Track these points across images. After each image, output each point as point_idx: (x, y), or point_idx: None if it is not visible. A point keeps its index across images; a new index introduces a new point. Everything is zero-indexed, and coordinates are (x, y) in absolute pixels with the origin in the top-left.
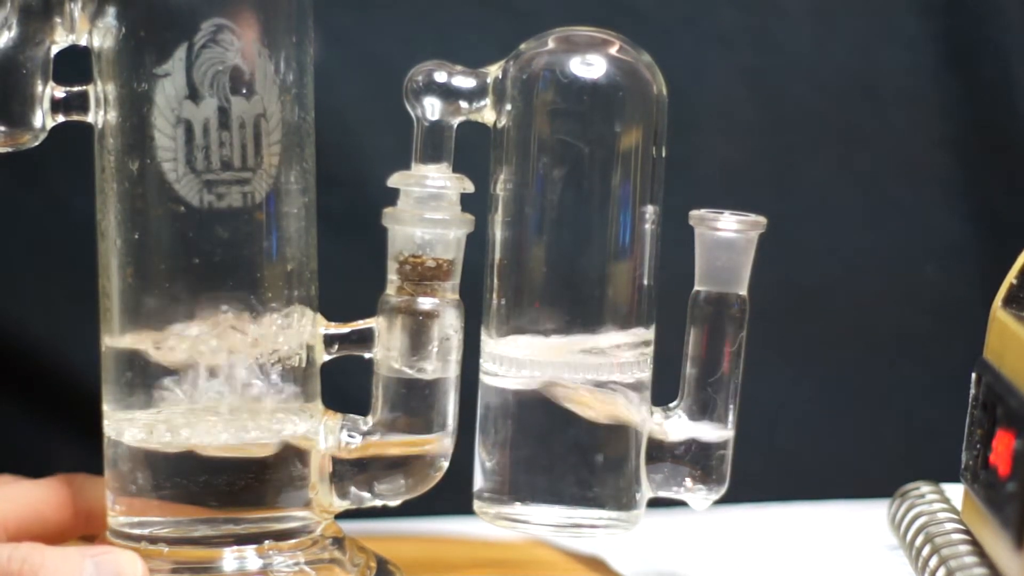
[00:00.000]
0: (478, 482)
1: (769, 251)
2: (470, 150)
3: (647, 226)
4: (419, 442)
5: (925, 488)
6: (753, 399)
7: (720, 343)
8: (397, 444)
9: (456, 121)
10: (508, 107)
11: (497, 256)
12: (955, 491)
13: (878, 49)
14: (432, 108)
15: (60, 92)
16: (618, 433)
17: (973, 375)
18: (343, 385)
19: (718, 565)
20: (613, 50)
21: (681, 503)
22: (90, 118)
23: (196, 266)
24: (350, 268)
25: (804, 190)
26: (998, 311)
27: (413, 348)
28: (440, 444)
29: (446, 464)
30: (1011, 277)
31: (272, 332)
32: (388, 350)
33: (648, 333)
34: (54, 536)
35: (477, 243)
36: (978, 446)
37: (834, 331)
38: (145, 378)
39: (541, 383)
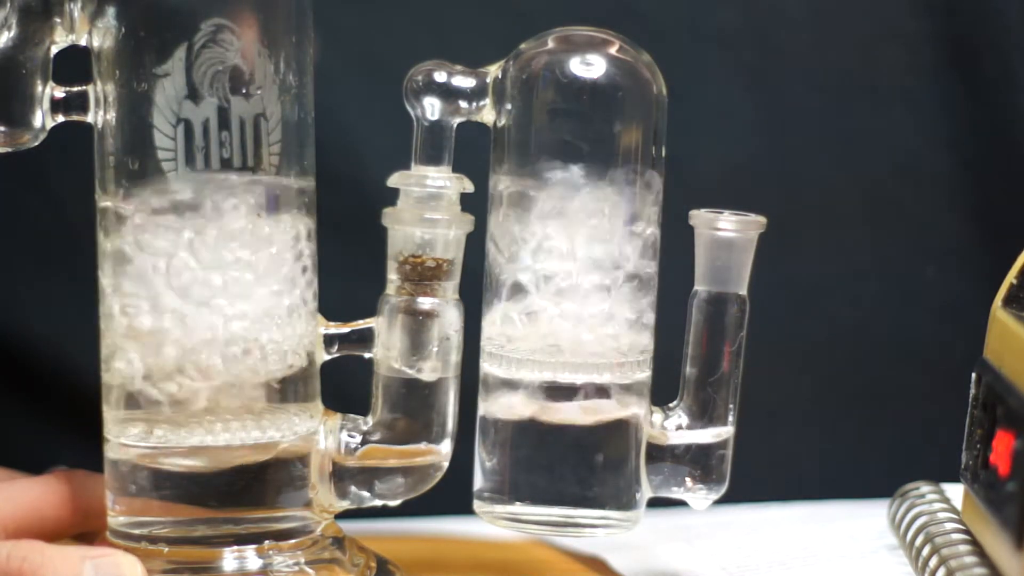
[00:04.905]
0: (478, 482)
1: (769, 251)
2: (470, 150)
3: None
4: (419, 452)
5: (925, 488)
6: (753, 399)
7: (720, 343)
8: (397, 453)
9: (456, 121)
10: (508, 107)
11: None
12: (955, 491)
13: (878, 49)
14: (432, 108)
15: (60, 92)
16: (618, 433)
17: (973, 375)
18: (343, 385)
19: (718, 565)
20: (613, 50)
21: (681, 503)
22: (90, 118)
23: None
24: (350, 268)
25: (804, 190)
26: (998, 311)
27: (413, 348)
28: (439, 447)
29: (446, 464)
30: (1011, 277)
31: (273, 331)
32: (388, 350)
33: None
34: (53, 533)
35: (477, 243)
36: (978, 446)
37: (834, 331)
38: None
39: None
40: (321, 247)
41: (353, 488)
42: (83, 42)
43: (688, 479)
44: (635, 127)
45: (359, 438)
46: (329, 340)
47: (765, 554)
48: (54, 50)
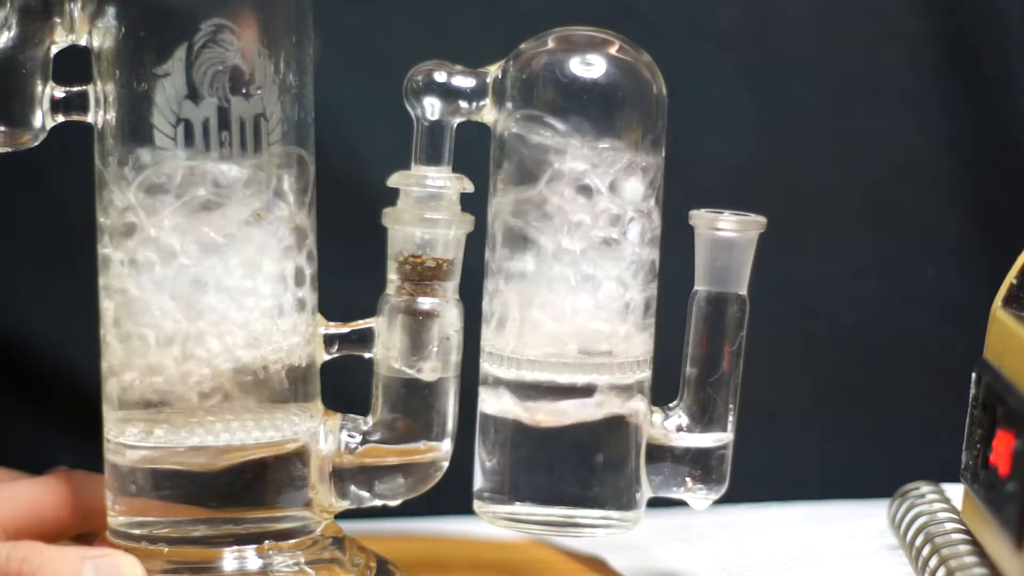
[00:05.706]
0: (478, 482)
1: (769, 251)
2: (470, 150)
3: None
4: (419, 452)
5: (925, 488)
6: (753, 399)
7: (720, 343)
8: (397, 453)
9: (456, 121)
10: (508, 107)
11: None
12: (955, 491)
13: (878, 49)
14: (432, 108)
15: (60, 92)
16: (618, 433)
17: (973, 375)
18: (343, 385)
19: (718, 565)
20: (613, 50)
21: (681, 503)
22: (90, 118)
23: None
24: (350, 268)
25: (804, 190)
26: (998, 311)
27: (413, 348)
28: (439, 447)
29: (446, 464)
30: (1011, 277)
31: (273, 331)
32: (388, 350)
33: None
34: (53, 534)
35: (477, 243)
36: (978, 446)
37: (834, 331)
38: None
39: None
40: (321, 247)
41: (353, 488)
42: (83, 42)
43: (688, 479)
44: (635, 127)
45: (359, 438)
46: (329, 340)
47: (765, 554)
48: (54, 50)
